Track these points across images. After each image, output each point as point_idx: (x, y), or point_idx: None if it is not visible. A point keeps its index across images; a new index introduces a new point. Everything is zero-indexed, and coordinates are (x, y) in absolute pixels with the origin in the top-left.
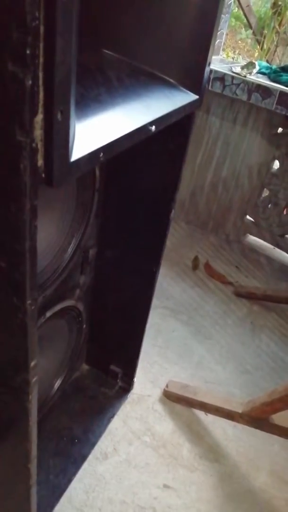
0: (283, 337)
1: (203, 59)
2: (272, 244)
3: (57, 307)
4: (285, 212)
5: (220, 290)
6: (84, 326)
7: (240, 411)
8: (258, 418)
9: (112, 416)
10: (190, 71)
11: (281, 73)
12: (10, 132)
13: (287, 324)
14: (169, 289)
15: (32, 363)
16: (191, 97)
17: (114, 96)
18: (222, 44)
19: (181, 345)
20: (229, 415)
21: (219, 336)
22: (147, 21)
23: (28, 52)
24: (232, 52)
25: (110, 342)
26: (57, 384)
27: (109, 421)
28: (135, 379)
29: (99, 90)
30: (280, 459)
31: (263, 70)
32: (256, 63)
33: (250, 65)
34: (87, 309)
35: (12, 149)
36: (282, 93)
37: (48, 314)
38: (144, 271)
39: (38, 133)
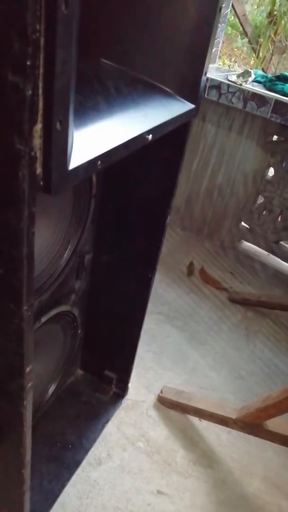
0: (277, 343)
1: (200, 69)
2: (266, 250)
3: (53, 312)
4: (279, 218)
5: (215, 296)
6: (79, 331)
7: (234, 417)
8: (252, 424)
9: (106, 422)
10: (187, 80)
11: (277, 82)
12: (10, 140)
13: (281, 330)
14: (164, 294)
15: (28, 369)
16: (188, 106)
17: (112, 105)
18: (218, 52)
19: (176, 351)
20: (223, 421)
21: (213, 342)
22: (145, 31)
23: (28, 63)
24: (228, 59)
25: (105, 347)
26: (51, 389)
27: (103, 426)
28: (130, 385)
29: (97, 99)
30: (274, 465)
31: (259, 78)
32: (252, 71)
33: (245, 74)
34: (82, 314)
35: (11, 157)
36: (277, 101)
37: (43, 319)
38: (139, 276)
39: (37, 141)
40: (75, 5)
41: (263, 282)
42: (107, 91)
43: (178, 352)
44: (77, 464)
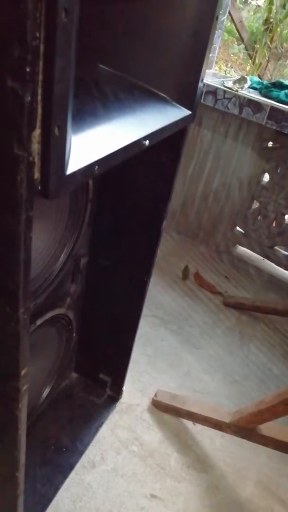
0: (271, 347)
1: (196, 76)
2: (261, 255)
3: (48, 315)
4: (274, 224)
5: (210, 300)
6: (74, 334)
7: (227, 421)
8: (245, 428)
9: (100, 425)
10: (184, 87)
11: (272, 89)
12: (8, 145)
13: (275, 334)
14: (159, 298)
15: (23, 372)
16: (184, 112)
17: (110, 111)
18: (215, 58)
19: (170, 355)
20: (217, 425)
21: (208, 346)
22: (142, 37)
23: (28, 69)
24: (224, 65)
25: (100, 350)
26: (45, 392)
27: (97, 430)
28: (124, 388)
29: (95, 104)
30: (267, 469)
31: (255, 85)
32: (248, 78)
33: (242, 80)
34: (77, 317)
35: (9, 162)
36: (272, 108)
37: (38, 322)
38: (135, 280)
39: (35, 147)
40: (74, 13)
41: (258, 287)
42: (105, 96)
43: (173, 355)
44: (71, 467)
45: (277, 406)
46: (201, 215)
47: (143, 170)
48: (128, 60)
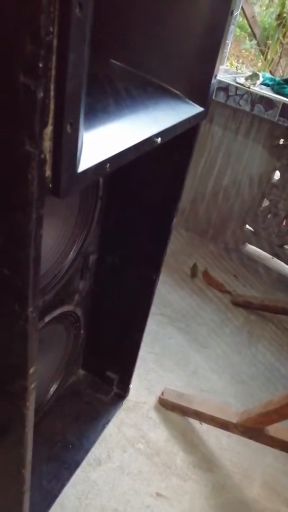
0: (279, 347)
1: (210, 72)
2: (270, 254)
3: (56, 312)
4: (284, 222)
5: (218, 298)
6: (82, 331)
7: (235, 421)
8: (252, 429)
9: (107, 423)
10: (197, 83)
11: (285, 85)
12: (20, 142)
13: (283, 334)
14: (167, 296)
15: (31, 370)
16: (197, 109)
17: (122, 107)
18: (227, 54)
19: (178, 353)
20: (224, 425)
21: (215, 345)
22: (156, 33)
23: (40, 65)
24: (235, 61)
25: (107, 348)
26: (52, 388)
27: (103, 427)
28: (131, 386)
29: (108, 100)
30: (273, 470)
31: (267, 81)
32: (260, 74)
33: (254, 77)
34: (85, 314)
35: (20, 159)
36: (285, 105)
37: (46, 319)
38: (144, 278)
39: (47, 144)
40: (88, 8)
41: (267, 286)
42: (117, 93)
43: (180, 354)
44: (77, 464)
45: (285, 407)
46: (210, 213)
47: (154, 167)
48: (141, 56)
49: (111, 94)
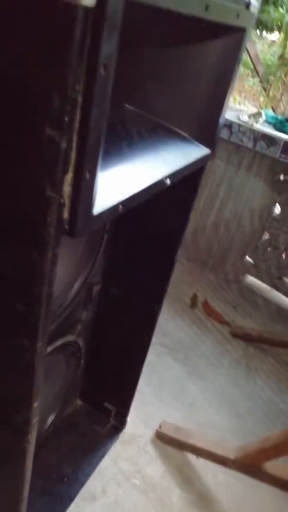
0: (277, 381)
1: (217, 116)
2: (270, 285)
3: (58, 342)
4: (284, 255)
5: (217, 329)
6: (82, 361)
7: (232, 457)
8: (250, 465)
9: (103, 456)
10: (204, 126)
11: (287, 124)
12: (41, 188)
13: (282, 368)
14: (167, 325)
15: (35, 404)
16: (204, 151)
17: (134, 150)
18: None
19: (176, 385)
20: (221, 460)
21: (214, 377)
22: (167, 80)
23: (66, 119)
24: (238, 95)
25: (106, 378)
26: (50, 419)
27: (99, 460)
28: (128, 418)
29: (121, 144)
30: (270, 508)
31: (269, 119)
32: (263, 112)
33: (257, 115)
34: (86, 344)
35: (41, 203)
36: (286, 143)
37: (49, 349)
38: (145, 310)
39: (66, 189)
40: (112, 67)
41: (265, 318)
42: (130, 136)
43: (178, 386)
44: (71, 498)
45: (283, 444)
46: (211, 243)
47: (160, 202)
48: (153, 100)
49: (125, 138)
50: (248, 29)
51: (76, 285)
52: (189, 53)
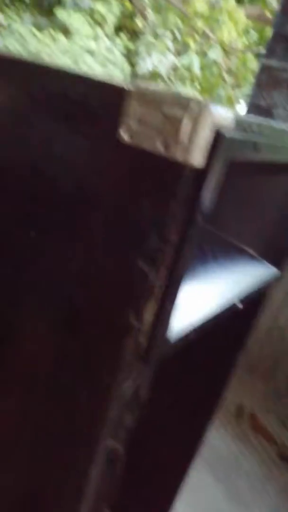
0: None
1: (286, 239)
2: None
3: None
4: None
5: (264, 448)
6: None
7: None
8: None
9: None
10: (274, 247)
11: None
12: (124, 315)
13: None
14: (208, 436)
15: None
16: (272, 271)
17: (208, 271)
18: None
19: (211, 508)
20: None
21: (253, 504)
22: (241, 203)
23: (159, 256)
24: None
25: (141, 491)
26: None
27: None
28: None
29: (196, 265)
30: None
31: None
32: None
33: None
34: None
35: (121, 329)
36: None
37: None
38: (194, 423)
39: (147, 317)
40: (207, 212)
41: None
42: (204, 256)
43: (213, 509)
44: None
45: None
46: (264, 350)
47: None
48: (227, 220)
49: (200, 258)
50: None
51: None
52: (266, 181)
